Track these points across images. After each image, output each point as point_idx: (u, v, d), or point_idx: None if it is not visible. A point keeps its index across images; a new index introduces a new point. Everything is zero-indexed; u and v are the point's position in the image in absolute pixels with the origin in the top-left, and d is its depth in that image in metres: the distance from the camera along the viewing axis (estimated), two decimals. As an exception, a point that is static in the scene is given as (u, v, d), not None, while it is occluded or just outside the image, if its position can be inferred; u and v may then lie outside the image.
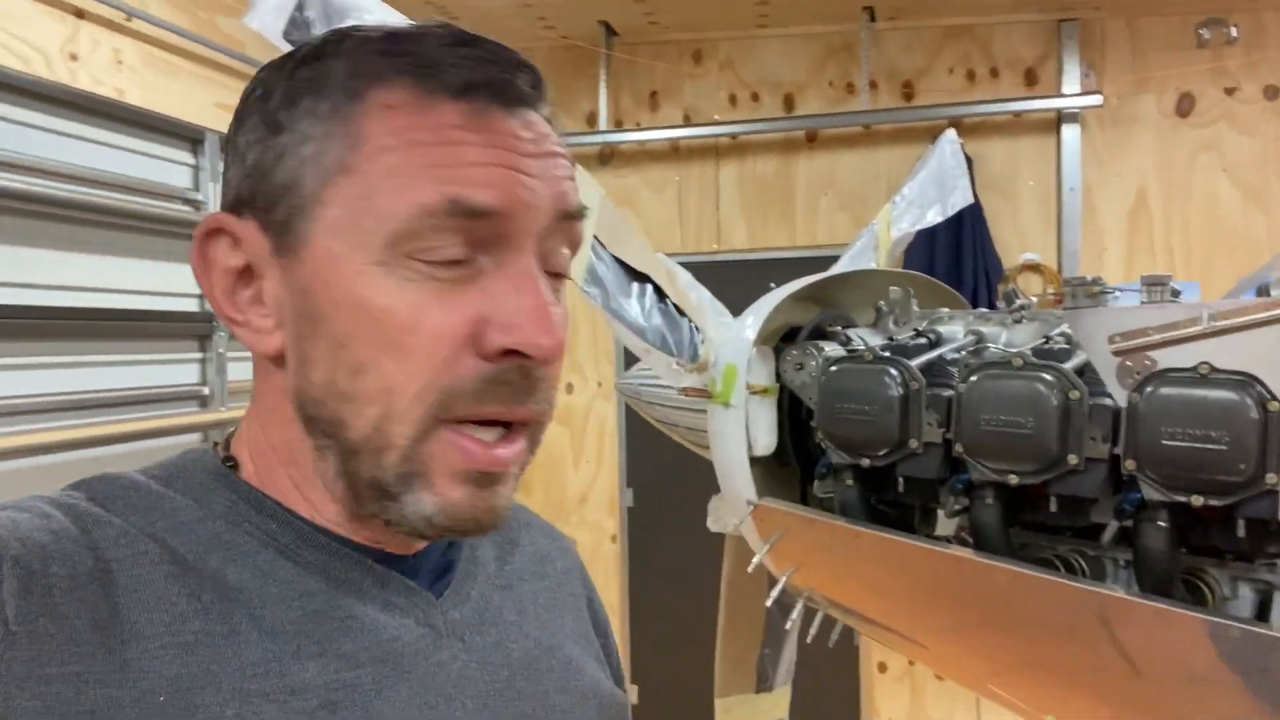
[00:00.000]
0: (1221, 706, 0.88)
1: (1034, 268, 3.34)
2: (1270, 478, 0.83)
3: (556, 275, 0.53)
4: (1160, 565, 0.94)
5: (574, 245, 0.54)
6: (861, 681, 3.48)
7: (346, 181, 0.48)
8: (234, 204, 0.50)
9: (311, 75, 0.49)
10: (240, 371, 2.60)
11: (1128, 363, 0.90)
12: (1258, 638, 0.84)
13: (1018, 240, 3.38)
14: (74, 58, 2.23)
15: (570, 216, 0.52)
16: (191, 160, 2.56)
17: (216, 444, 0.56)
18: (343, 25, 0.52)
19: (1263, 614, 0.96)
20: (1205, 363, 0.86)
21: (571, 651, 0.63)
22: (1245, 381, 0.84)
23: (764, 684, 1.69)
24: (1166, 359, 0.89)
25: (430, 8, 3.20)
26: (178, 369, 2.46)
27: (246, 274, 0.50)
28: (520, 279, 0.49)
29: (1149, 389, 0.88)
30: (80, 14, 2.25)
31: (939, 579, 1.04)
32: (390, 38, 0.49)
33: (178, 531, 0.49)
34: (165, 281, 2.42)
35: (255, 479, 0.53)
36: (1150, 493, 0.90)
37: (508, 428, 0.51)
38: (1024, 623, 1.03)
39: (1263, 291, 1.01)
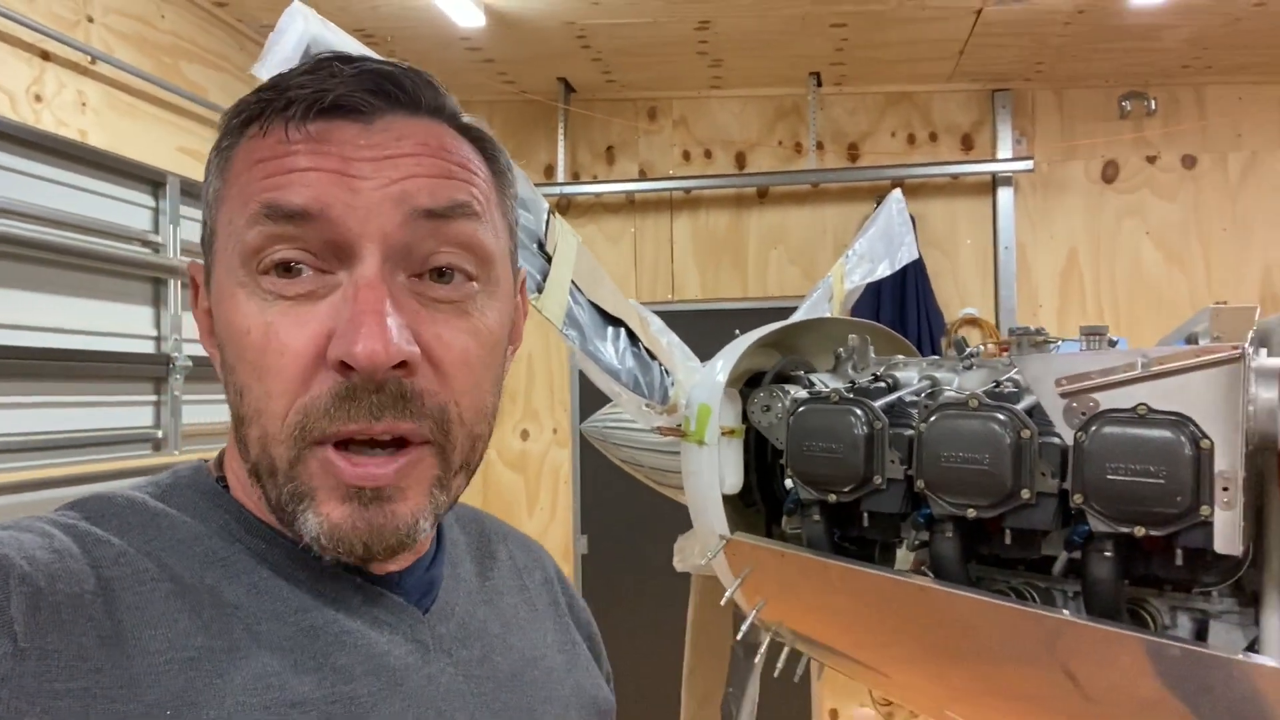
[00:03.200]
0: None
1: (973, 321, 3.49)
2: (1204, 509, 0.91)
3: (449, 277, 0.51)
4: (1107, 594, 1.01)
5: (465, 245, 0.51)
6: (811, 728, 3.51)
7: (221, 211, 0.51)
8: (202, 251, 0.55)
9: (225, 123, 0.53)
10: (195, 415, 2.57)
11: (1073, 404, 0.98)
12: (1198, 657, 0.91)
13: (958, 295, 3.54)
14: (39, 99, 2.24)
15: (436, 214, 0.50)
16: (152, 203, 2.56)
17: (207, 461, 0.56)
18: None
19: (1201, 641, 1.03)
20: (1143, 404, 0.95)
21: (554, 661, 0.65)
22: (1179, 421, 0.93)
23: (726, 723, 1.72)
24: (1108, 400, 0.97)
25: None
26: (132, 411, 2.42)
27: (209, 314, 0.54)
28: (353, 287, 0.48)
29: (1093, 428, 0.96)
30: (46, 56, 2.26)
31: (904, 608, 1.10)
32: (275, 79, 0.52)
33: (175, 549, 0.49)
34: (123, 323, 2.40)
35: (242, 498, 0.54)
36: (1097, 524, 0.97)
37: (400, 446, 0.49)
38: (982, 649, 1.09)
39: (1191, 340, 1.10)
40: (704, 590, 1.56)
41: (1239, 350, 0.89)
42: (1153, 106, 3.37)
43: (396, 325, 0.47)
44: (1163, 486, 0.92)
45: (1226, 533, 0.90)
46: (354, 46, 1.03)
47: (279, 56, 0.95)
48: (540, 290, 1.22)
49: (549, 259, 1.24)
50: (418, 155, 0.50)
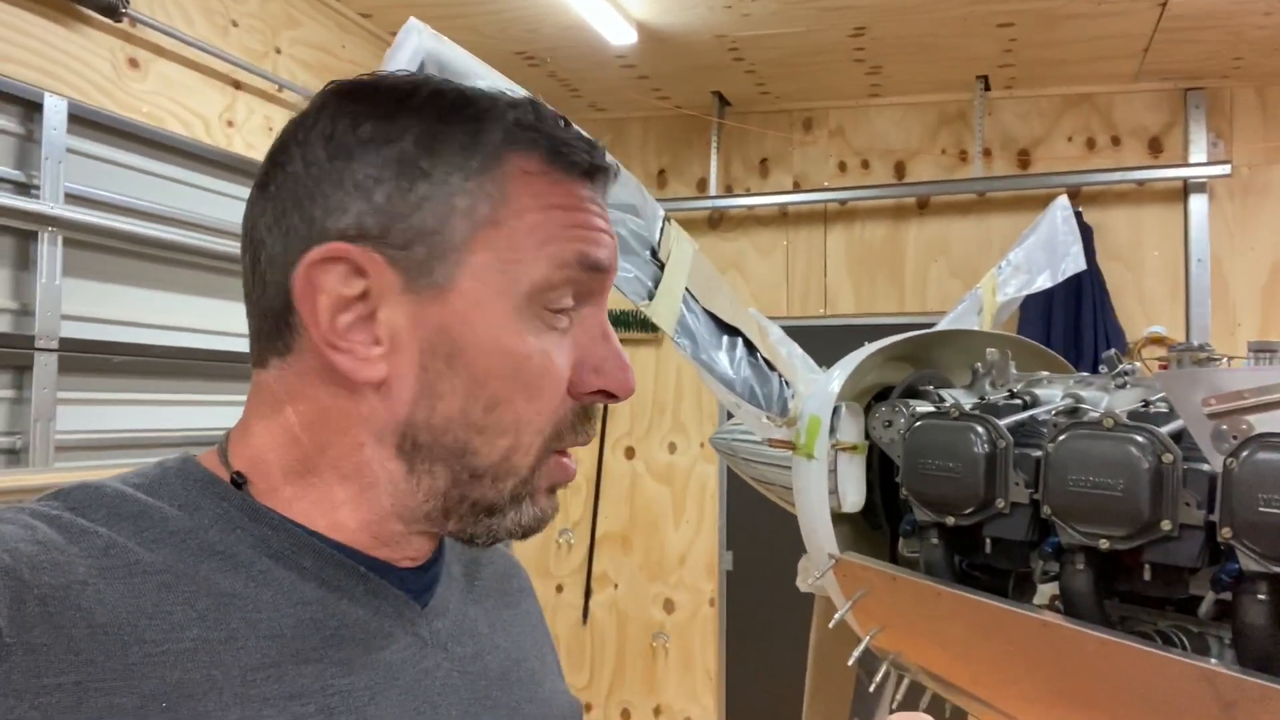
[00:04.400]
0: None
1: (1159, 340, 3.20)
2: (1380, 551, 0.79)
3: None
4: (1261, 641, 0.89)
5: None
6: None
7: (494, 234, 0.52)
8: (354, 235, 0.51)
9: (449, 129, 0.52)
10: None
11: (1223, 426, 0.87)
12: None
13: (1143, 311, 3.26)
14: (230, 124, 2.46)
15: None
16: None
17: (191, 454, 0.56)
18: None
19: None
20: (1307, 428, 0.83)
21: (533, 664, 0.66)
22: (1351, 449, 0.81)
23: (852, 753, 1.64)
24: (1265, 424, 0.86)
25: (554, 81, 3.38)
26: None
27: (354, 303, 0.52)
28: (605, 328, 0.57)
29: (1244, 453, 0.85)
30: (238, 85, 2.49)
31: (1023, 643, 1.01)
32: (515, 108, 0.54)
33: (168, 541, 0.49)
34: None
35: (262, 492, 0.53)
36: (1248, 562, 0.86)
37: None
38: (1118, 697, 0.99)
39: (1376, 358, 0.96)
40: (825, 613, 1.50)
41: None
42: (1377, 101, 2.98)
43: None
44: (1328, 523, 0.81)
45: None
46: (468, 61, 1.07)
47: (394, 69, 1.00)
48: (651, 297, 1.21)
49: (662, 266, 1.24)
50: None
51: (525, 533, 0.56)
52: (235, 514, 0.52)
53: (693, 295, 1.28)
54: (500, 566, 0.70)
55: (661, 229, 1.24)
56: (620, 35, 2.88)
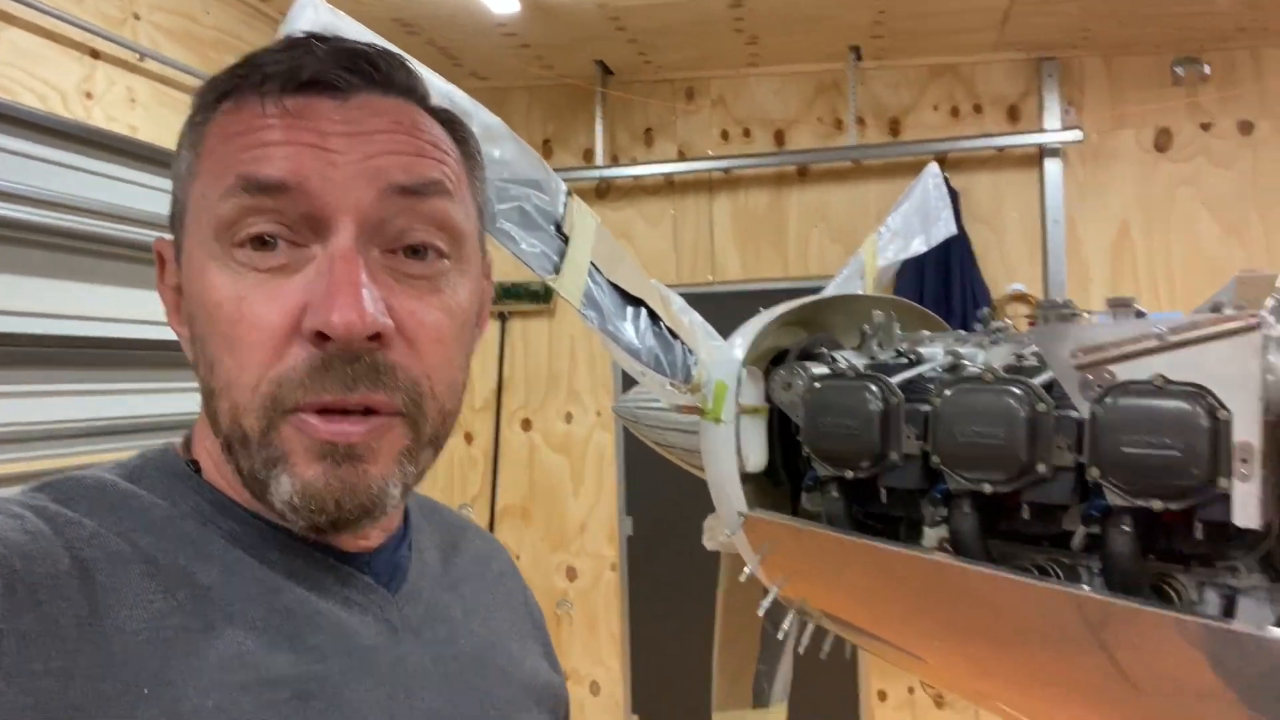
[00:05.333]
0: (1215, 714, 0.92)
1: (1021, 297, 3.42)
2: (1222, 482, 0.90)
3: (422, 255, 0.53)
4: (1127, 569, 1.00)
5: (438, 223, 0.53)
6: (861, 710, 3.50)
7: (194, 185, 0.52)
8: (169, 227, 0.56)
9: (198, 99, 0.54)
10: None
11: (1089, 376, 0.97)
12: (1220, 632, 0.90)
13: (1005, 270, 3.47)
14: (89, 96, 2.32)
15: (410, 191, 0.51)
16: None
17: (173, 444, 0.57)
18: None
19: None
20: (1160, 375, 0.93)
21: (511, 647, 0.67)
22: (1196, 392, 0.91)
23: (760, 700, 1.73)
24: (1125, 372, 0.95)
25: (433, 49, 3.30)
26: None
27: (171, 291, 0.56)
28: (328, 260, 0.49)
29: (1109, 400, 0.95)
30: (95, 54, 2.34)
31: (919, 584, 1.10)
32: (249, 55, 0.53)
33: (149, 531, 0.50)
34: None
35: (215, 479, 0.54)
36: (1114, 498, 0.96)
37: (369, 416, 0.51)
38: (1003, 626, 1.09)
39: (1216, 309, 1.08)
40: (732, 568, 1.57)
41: (1256, 319, 0.86)
42: (1207, 71, 3.25)
43: (372, 297, 0.48)
44: (1178, 459, 0.91)
45: (1245, 505, 0.88)
46: (365, 36, 1.06)
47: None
48: (558, 271, 1.23)
49: (566, 240, 1.26)
50: (392, 133, 0.51)
51: (307, 511, 0.50)
52: (206, 507, 0.53)
53: (597, 268, 1.30)
54: (480, 550, 0.71)
55: (565, 203, 1.26)
56: (503, 4, 2.84)
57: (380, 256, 0.51)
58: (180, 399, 2.48)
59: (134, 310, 2.34)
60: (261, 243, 0.49)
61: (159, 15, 2.57)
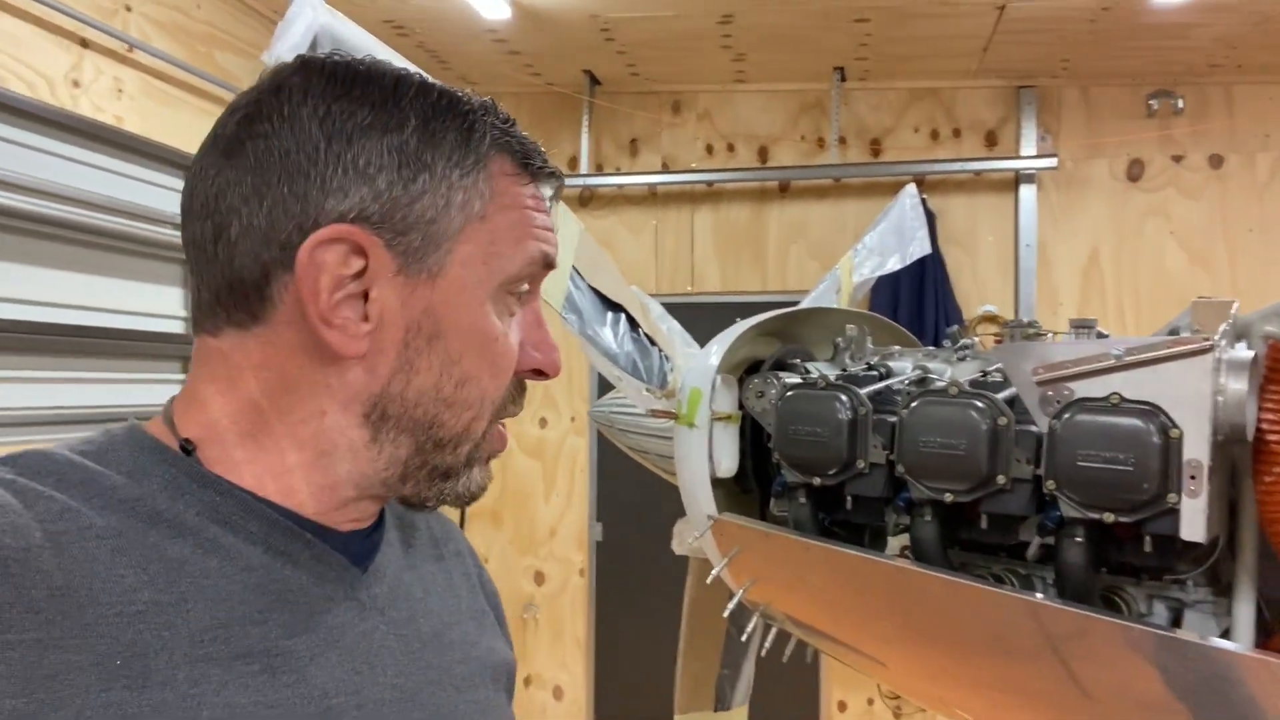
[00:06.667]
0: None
1: (992, 318, 3.49)
2: (1171, 497, 0.94)
3: None
4: (1079, 580, 1.04)
5: None
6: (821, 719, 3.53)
7: (480, 228, 0.57)
8: (355, 218, 0.54)
9: (445, 125, 0.57)
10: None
11: (1049, 392, 1.01)
12: (1164, 641, 0.93)
13: (977, 291, 3.53)
14: (77, 85, 2.32)
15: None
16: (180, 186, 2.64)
17: (138, 423, 0.58)
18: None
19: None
20: (1116, 393, 0.97)
21: (467, 627, 0.70)
22: (1150, 411, 0.95)
23: (722, 703, 1.76)
24: (1083, 389, 0.99)
25: (422, 52, 3.33)
26: (156, 389, 2.51)
27: (349, 281, 0.55)
28: (539, 313, 0.64)
29: (1066, 415, 0.98)
30: (85, 43, 2.34)
31: (881, 589, 1.13)
32: (488, 111, 0.60)
33: (117, 507, 0.51)
34: (151, 303, 2.48)
35: (213, 458, 0.55)
36: (1068, 510, 1.00)
37: None
38: (959, 631, 1.12)
39: (1174, 332, 1.12)
40: (700, 572, 1.59)
41: (1209, 342, 0.91)
42: (1180, 105, 3.34)
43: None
44: (1131, 474, 0.94)
45: (1192, 520, 0.92)
46: (362, 36, 1.08)
47: (288, 44, 1.00)
48: (540, 274, 1.26)
49: (550, 244, 1.29)
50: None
51: (470, 498, 0.62)
52: (183, 480, 0.54)
53: (579, 273, 1.33)
54: (435, 530, 0.73)
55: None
56: (494, 10, 2.87)
57: None
58: (151, 389, 2.48)
59: (110, 299, 2.34)
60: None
61: (150, 7, 2.57)
